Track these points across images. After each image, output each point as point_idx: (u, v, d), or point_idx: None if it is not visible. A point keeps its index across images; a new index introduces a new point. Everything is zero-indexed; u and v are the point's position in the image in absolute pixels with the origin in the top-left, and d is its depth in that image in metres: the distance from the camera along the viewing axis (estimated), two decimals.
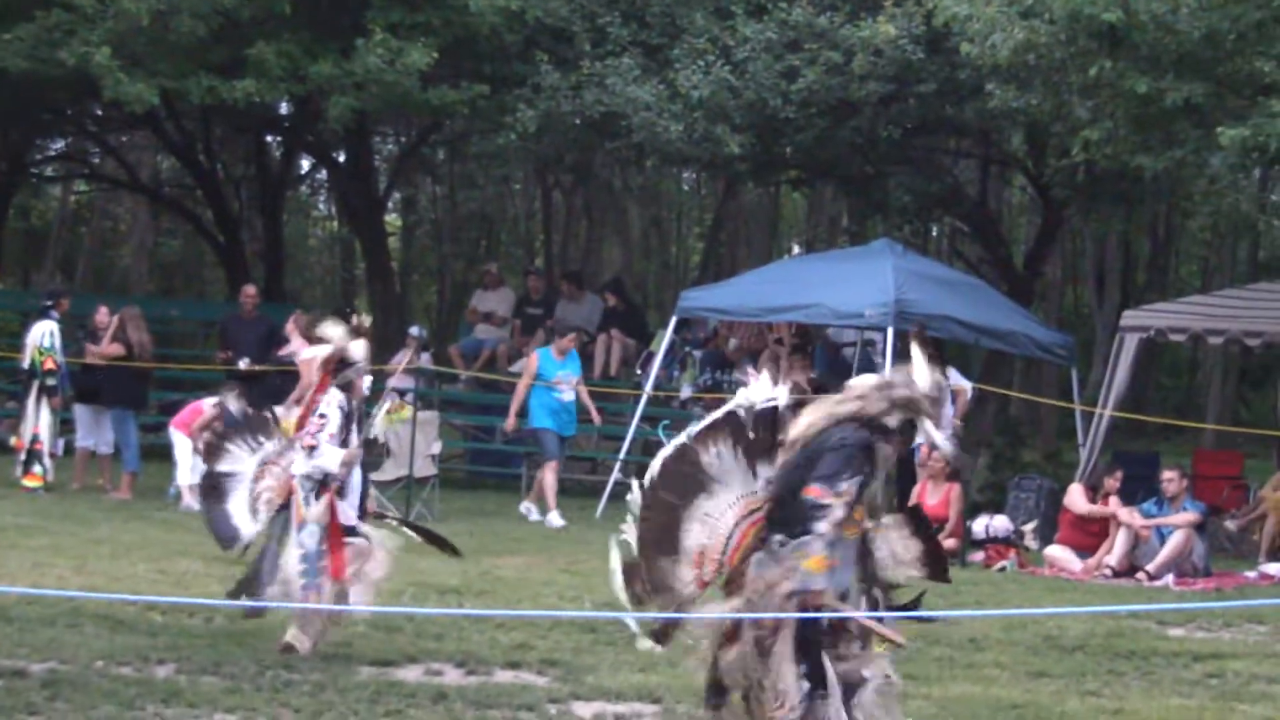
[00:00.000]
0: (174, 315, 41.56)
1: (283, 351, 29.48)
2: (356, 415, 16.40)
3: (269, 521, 16.34)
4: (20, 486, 27.28)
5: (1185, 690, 16.20)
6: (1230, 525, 27.51)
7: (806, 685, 11.56)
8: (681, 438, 12.41)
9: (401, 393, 29.95)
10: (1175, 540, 24.94)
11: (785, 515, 11.77)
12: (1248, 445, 30.87)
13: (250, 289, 33.34)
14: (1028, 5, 27.74)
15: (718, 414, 12.35)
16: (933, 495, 25.85)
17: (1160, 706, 15.36)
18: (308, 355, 17.47)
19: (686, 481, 12.22)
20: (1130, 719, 14.81)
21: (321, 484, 15.95)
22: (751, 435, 12.15)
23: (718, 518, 12.14)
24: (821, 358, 32.74)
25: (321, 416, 16.15)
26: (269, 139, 43.76)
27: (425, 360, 32.89)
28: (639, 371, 32.23)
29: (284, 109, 38.31)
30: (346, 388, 16.28)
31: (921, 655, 16.44)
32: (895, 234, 36.88)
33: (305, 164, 49.19)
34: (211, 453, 17.21)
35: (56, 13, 31.80)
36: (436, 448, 28.51)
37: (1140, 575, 24.60)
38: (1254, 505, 27.49)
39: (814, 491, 11.52)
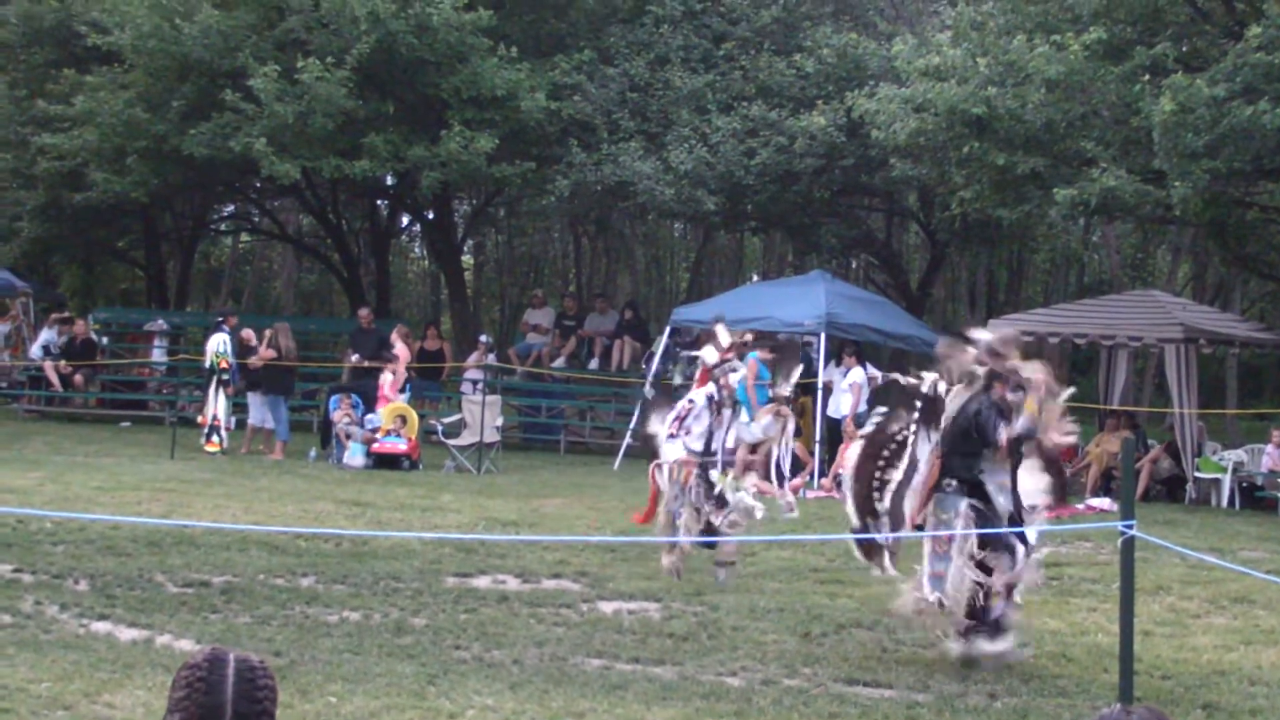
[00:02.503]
0: (312, 329, 41.59)
1: (389, 352, 29.66)
2: (725, 402, 16.03)
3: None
4: (203, 451, 27.30)
5: (1035, 589, 16.21)
6: (1065, 472, 27.47)
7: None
8: (872, 423, 13.14)
9: (475, 382, 29.98)
10: None
11: (953, 465, 12.36)
12: (1077, 415, 30.80)
13: (364, 310, 33.40)
14: (919, 103, 27.78)
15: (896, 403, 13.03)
16: (854, 452, 25.80)
17: None
18: (707, 358, 16.57)
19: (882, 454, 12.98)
20: None
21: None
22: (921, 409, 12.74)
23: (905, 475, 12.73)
24: None
25: (690, 402, 16.04)
26: (379, 202, 43.69)
27: (492, 359, 32.90)
28: (644, 365, 32.18)
29: (390, 180, 38.22)
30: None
31: (849, 563, 16.42)
32: (826, 266, 36.84)
33: (405, 220, 49.07)
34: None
35: (228, 115, 31.93)
36: (500, 421, 28.47)
37: None
38: (1082, 458, 27.45)
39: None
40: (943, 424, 12.51)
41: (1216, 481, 26.75)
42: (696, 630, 13.45)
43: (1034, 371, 12.48)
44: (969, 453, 12.31)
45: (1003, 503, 12.33)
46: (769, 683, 11.70)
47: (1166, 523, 21.96)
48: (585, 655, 12.33)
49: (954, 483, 12.37)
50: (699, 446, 15.89)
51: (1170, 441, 27.57)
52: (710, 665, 12.16)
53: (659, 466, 16.19)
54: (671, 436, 15.95)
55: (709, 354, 16.36)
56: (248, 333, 29.54)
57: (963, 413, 12.32)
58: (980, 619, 12.32)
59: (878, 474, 12.95)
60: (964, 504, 12.27)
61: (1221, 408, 35.12)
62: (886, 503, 12.78)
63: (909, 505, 12.68)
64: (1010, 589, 12.30)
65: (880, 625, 13.97)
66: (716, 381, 16.07)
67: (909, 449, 12.75)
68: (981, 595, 12.28)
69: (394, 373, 28.82)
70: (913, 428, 12.81)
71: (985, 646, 12.22)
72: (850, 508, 13.23)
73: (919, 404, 12.77)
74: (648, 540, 16.73)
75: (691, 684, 11.50)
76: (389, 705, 10.44)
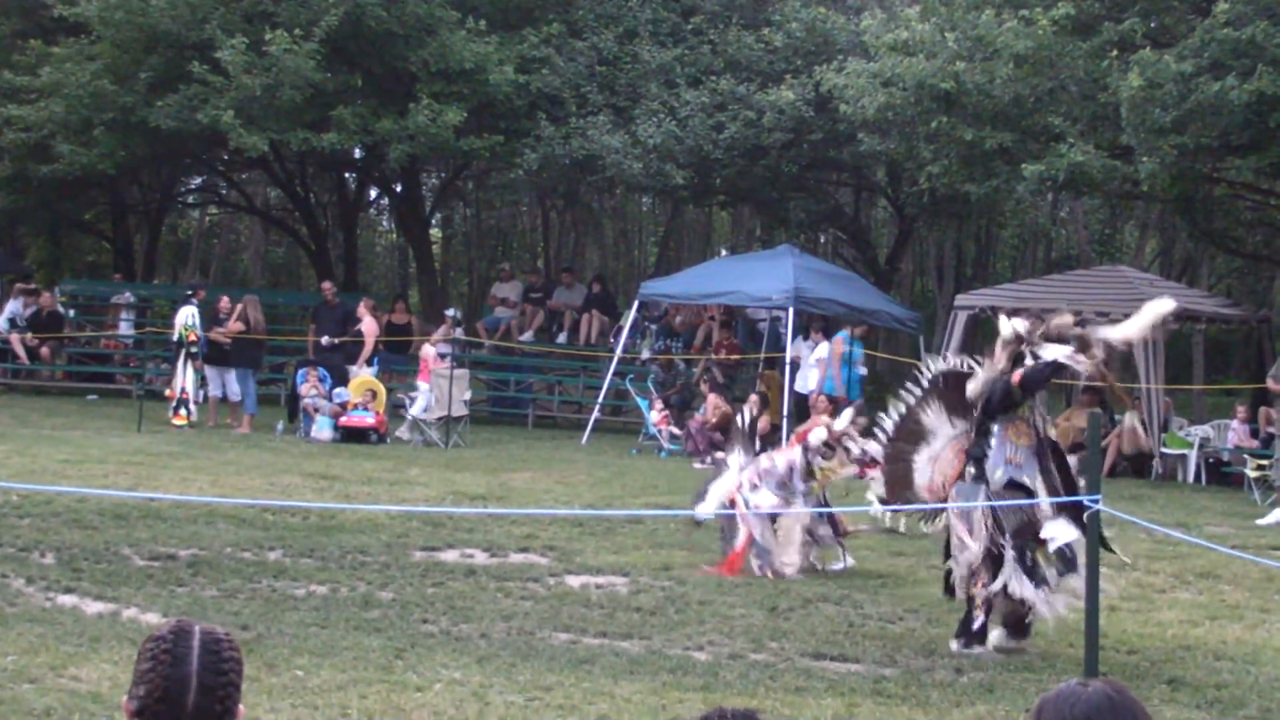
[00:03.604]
0: (279, 302, 41.41)
1: (355, 327, 29.63)
2: (804, 467, 15.83)
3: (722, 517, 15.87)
4: (171, 425, 27.21)
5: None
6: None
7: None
8: (903, 403, 13.03)
9: (443, 355, 29.97)
10: None
11: (972, 447, 12.43)
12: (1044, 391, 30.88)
13: (328, 284, 33.22)
14: (887, 77, 27.82)
15: (925, 383, 12.95)
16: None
17: None
18: (814, 436, 16.14)
19: (913, 435, 12.85)
20: None
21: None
22: (946, 392, 12.78)
23: (936, 459, 12.71)
24: (742, 330, 32.77)
25: (770, 460, 15.84)
26: (347, 175, 43.61)
27: (459, 333, 32.87)
28: (611, 340, 32.19)
29: (358, 153, 38.13)
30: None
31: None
32: (794, 241, 36.86)
33: (373, 193, 48.99)
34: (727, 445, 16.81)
35: (195, 86, 31.83)
36: (467, 395, 28.42)
37: None
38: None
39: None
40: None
41: (1183, 457, 26.84)
42: (664, 605, 13.47)
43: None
44: (980, 431, 12.31)
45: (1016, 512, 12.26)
46: (736, 657, 11.72)
47: (1133, 498, 22.02)
48: (553, 629, 12.35)
49: (974, 472, 12.33)
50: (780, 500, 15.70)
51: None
52: (677, 640, 12.18)
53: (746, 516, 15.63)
54: (755, 487, 15.69)
55: (818, 433, 16.10)
56: (224, 302, 29.28)
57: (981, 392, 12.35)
58: (963, 624, 12.32)
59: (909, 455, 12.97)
60: (982, 493, 12.22)
61: (1188, 383, 35.21)
62: (918, 480, 12.83)
63: (922, 477, 12.79)
64: (989, 604, 12.20)
65: (847, 600, 14.01)
66: (806, 453, 15.91)
67: (916, 420, 12.81)
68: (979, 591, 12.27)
69: (435, 345, 28.92)
70: (920, 397, 12.87)
71: (953, 645, 12.20)
72: (880, 485, 13.16)
73: (943, 382, 12.85)
74: (615, 514, 16.74)
75: (659, 658, 11.52)
76: (356, 679, 10.44)
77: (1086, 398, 27.64)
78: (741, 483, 15.75)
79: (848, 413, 16.90)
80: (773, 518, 15.46)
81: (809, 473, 15.85)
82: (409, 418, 27.94)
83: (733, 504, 15.61)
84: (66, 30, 34.16)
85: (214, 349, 28.40)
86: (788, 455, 15.93)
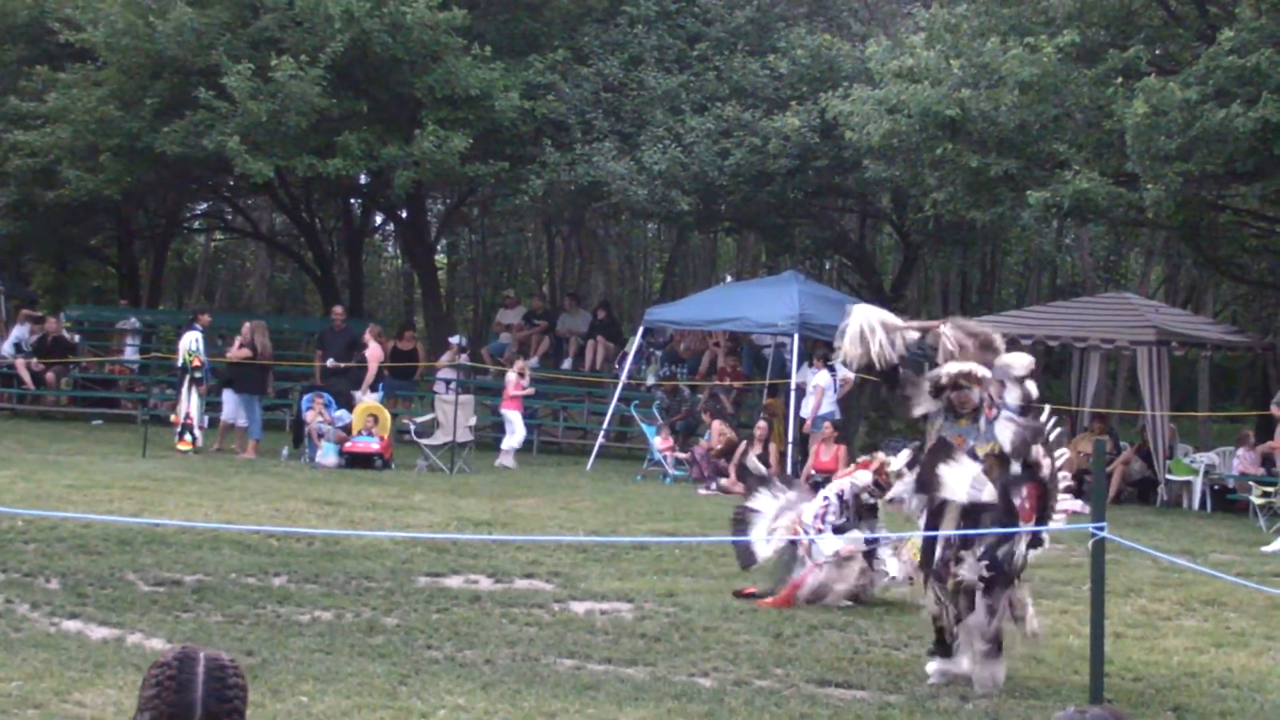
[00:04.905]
0: (285, 328, 41.42)
1: (359, 352, 29.65)
2: (854, 504, 15.70)
3: (781, 549, 15.78)
4: (175, 450, 27.22)
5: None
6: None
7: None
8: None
9: (448, 382, 29.98)
10: None
11: None
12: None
13: (338, 309, 33.38)
14: (892, 104, 27.85)
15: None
16: (825, 454, 25.75)
17: None
18: (859, 478, 16.15)
19: None
20: None
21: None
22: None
23: None
24: (747, 356, 32.77)
25: (825, 499, 15.80)
26: (352, 201, 43.64)
27: (464, 359, 32.88)
28: (616, 366, 32.18)
29: (363, 179, 38.17)
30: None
31: None
32: (799, 267, 36.86)
33: (378, 219, 49.03)
34: (747, 493, 16.69)
35: (201, 112, 31.89)
36: (473, 421, 28.42)
37: None
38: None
39: None
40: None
41: (1188, 484, 26.82)
42: (669, 631, 13.47)
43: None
44: None
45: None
46: (741, 683, 11.71)
47: (1138, 525, 22.02)
48: (557, 655, 12.34)
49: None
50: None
51: (1142, 444, 27.63)
52: (682, 666, 12.17)
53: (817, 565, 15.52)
54: (819, 532, 15.64)
55: (862, 476, 16.12)
56: (246, 328, 29.26)
57: None
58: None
59: None
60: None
61: (1193, 410, 35.23)
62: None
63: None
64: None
65: (852, 626, 14.00)
66: (855, 487, 15.91)
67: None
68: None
69: (521, 374, 29.03)
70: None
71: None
72: None
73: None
74: (620, 540, 16.71)
75: (663, 684, 11.51)
76: (360, 705, 10.43)
77: (1100, 424, 27.67)
78: (802, 518, 15.80)
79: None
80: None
81: (860, 505, 15.85)
82: (506, 449, 28.34)
83: (796, 533, 15.68)
84: (73, 56, 34.24)
85: (222, 374, 28.46)
86: (840, 487, 15.93)
